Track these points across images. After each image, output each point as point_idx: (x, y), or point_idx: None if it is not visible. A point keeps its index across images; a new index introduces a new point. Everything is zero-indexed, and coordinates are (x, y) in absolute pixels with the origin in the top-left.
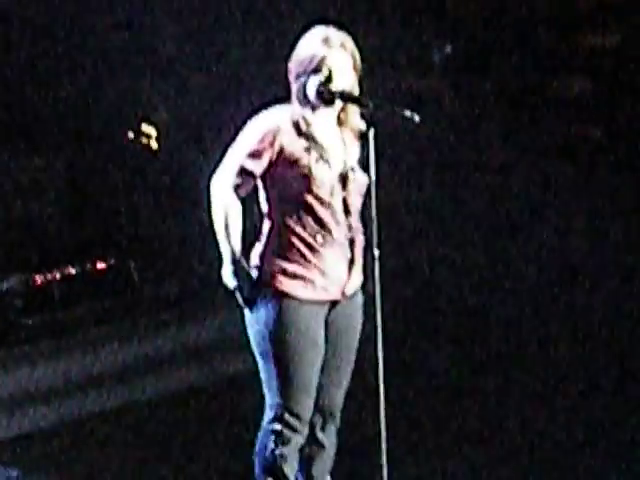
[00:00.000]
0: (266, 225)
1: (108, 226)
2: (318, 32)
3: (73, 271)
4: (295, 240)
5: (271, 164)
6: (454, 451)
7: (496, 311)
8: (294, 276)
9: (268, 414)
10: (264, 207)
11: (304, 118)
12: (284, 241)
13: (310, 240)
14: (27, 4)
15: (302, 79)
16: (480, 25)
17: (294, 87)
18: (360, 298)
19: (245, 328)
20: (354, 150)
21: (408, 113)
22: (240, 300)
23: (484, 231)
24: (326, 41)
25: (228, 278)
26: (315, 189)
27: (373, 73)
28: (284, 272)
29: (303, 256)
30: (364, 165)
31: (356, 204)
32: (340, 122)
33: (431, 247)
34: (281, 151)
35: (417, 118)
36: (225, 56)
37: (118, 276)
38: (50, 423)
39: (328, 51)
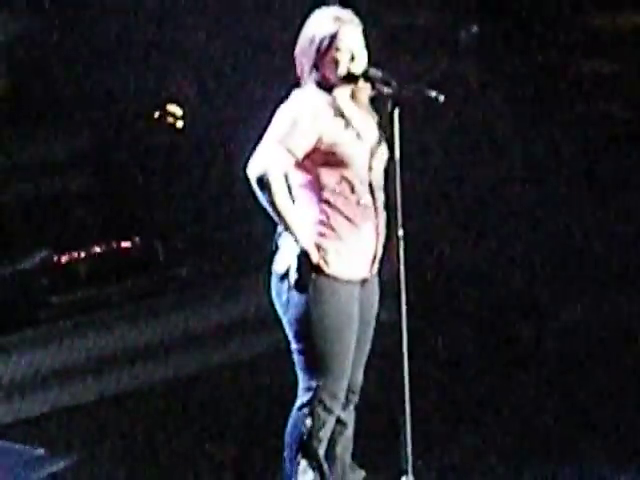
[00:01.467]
0: (304, 210)
1: (134, 205)
2: (327, 12)
3: (99, 250)
4: (339, 219)
5: (313, 147)
6: (478, 430)
7: (521, 290)
8: (336, 256)
9: (304, 396)
10: (303, 191)
11: (335, 98)
12: (326, 223)
13: (352, 218)
14: None
15: (324, 59)
16: (507, 4)
17: (310, 69)
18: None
19: (273, 309)
20: (374, 125)
21: (433, 93)
22: (290, 283)
23: (507, 211)
24: (339, 19)
25: (290, 263)
26: (355, 167)
27: (400, 54)
28: (326, 253)
29: (346, 235)
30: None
31: (381, 178)
32: (354, 98)
33: (454, 227)
34: (322, 133)
35: (442, 98)
36: (251, 35)
37: (143, 255)
38: (76, 402)
39: (344, 29)
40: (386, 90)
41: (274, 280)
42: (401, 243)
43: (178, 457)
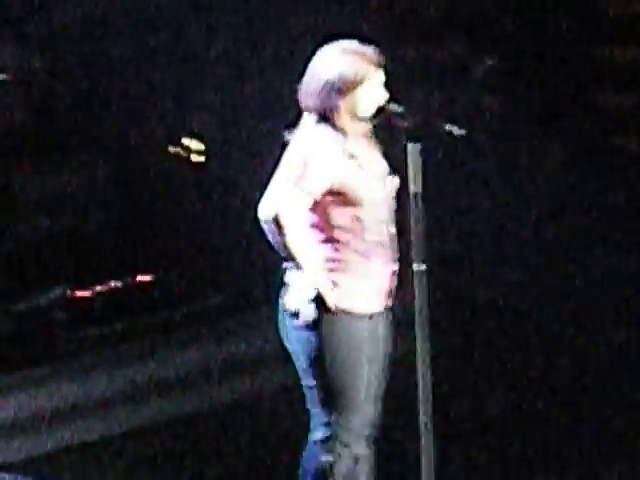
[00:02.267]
0: (315, 247)
1: (150, 239)
2: (354, 48)
3: (115, 284)
4: (351, 256)
5: (326, 190)
6: (503, 465)
7: (546, 324)
8: (351, 291)
9: (319, 432)
10: (313, 230)
11: (347, 139)
12: (338, 259)
13: (364, 254)
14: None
15: (348, 98)
16: (521, 38)
17: (332, 106)
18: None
19: (282, 344)
20: (380, 157)
21: (451, 127)
22: (303, 322)
23: (529, 244)
24: (370, 60)
25: (303, 302)
26: (367, 205)
27: (415, 87)
28: (341, 288)
29: (357, 270)
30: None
31: (392, 211)
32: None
33: (475, 261)
34: (335, 176)
35: (460, 132)
36: (272, 67)
37: (160, 289)
38: (92, 437)
39: (375, 70)
40: (404, 124)
41: (284, 317)
42: (423, 277)
43: None
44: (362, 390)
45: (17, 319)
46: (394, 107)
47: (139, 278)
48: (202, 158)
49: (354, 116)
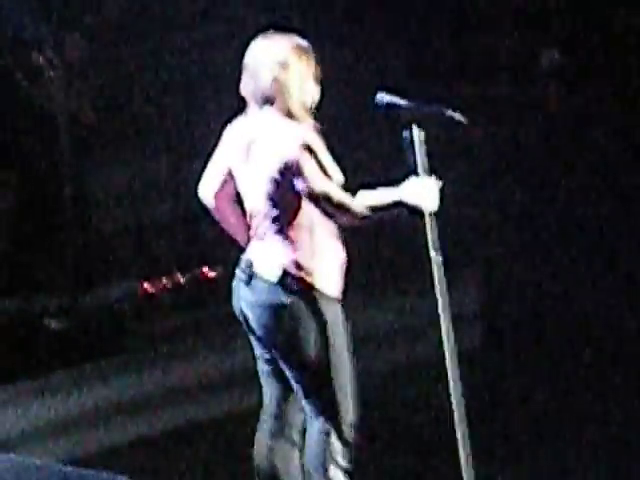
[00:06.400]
0: (292, 231)
1: (217, 233)
2: (294, 41)
3: (183, 278)
4: (326, 238)
5: None
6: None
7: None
8: (330, 274)
9: (321, 425)
10: (288, 213)
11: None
12: (315, 242)
13: (337, 235)
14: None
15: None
16: (589, 29)
17: (289, 94)
18: None
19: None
20: None
21: (454, 114)
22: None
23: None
24: (307, 51)
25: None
26: None
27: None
28: (321, 272)
29: (332, 253)
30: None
31: None
32: None
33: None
34: None
35: (463, 119)
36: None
37: (227, 283)
38: (161, 430)
39: (297, 55)
40: (406, 111)
41: (282, 312)
42: (441, 266)
43: None
44: (348, 377)
45: (86, 313)
46: (390, 98)
47: (207, 272)
48: None
49: (300, 103)
